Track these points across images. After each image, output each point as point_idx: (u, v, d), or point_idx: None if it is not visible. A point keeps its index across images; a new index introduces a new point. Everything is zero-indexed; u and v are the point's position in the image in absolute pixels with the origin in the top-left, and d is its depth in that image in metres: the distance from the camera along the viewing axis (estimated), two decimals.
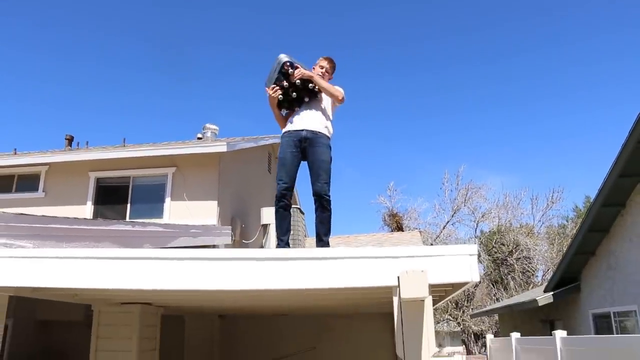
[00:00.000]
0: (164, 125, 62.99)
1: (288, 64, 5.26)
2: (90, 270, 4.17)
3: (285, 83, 5.32)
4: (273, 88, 5.33)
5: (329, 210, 5.24)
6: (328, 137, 5.40)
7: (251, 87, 61.74)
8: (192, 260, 3.95)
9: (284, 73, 5.28)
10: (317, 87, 5.37)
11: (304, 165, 5.41)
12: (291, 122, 5.45)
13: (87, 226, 6.22)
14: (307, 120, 5.37)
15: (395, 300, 3.63)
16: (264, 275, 3.77)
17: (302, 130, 5.31)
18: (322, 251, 3.84)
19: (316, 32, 57.44)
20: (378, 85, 58.23)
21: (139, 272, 4.10)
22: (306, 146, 5.29)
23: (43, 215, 5.50)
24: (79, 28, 50.84)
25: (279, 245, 5.25)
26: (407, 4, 53.12)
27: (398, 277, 3.42)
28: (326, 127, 5.42)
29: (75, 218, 8.78)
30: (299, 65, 5.34)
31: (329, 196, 5.21)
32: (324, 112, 5.48)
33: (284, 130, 5.51)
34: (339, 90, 5.42)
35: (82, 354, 7.70)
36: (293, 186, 5.37)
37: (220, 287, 3.82)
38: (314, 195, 5.26)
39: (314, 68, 5.57)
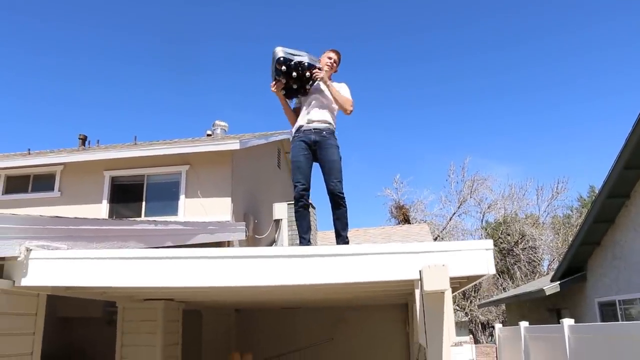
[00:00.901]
0: (171, 120, 63.33)
1: (282, 59, 5.42)
2: (118, 269, 4.44)
3: (283, 80, 5.53)
4: (274, 84, 5.56)
5: (344, 206, 5.50)
6: (335, 136, 5.65)
7: (255, 80, 61.88)
8: (233, 258, 4.21)
9: (279, 70, 5.47)
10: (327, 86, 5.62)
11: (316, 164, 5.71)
12: (299, 123, 5.69)
13: (114, 226, 6.46)
14: (313, 119, 5.62)
15: (417, 292, 3.90)
16: (294, 272, 4.04)
17: (311, 132, 5.56)
18: (350, 248, 4.10)
19: (317, 23, 57.51)
20: (382, 76, 58.35)
21: (165, 270, 4.36)
22: (316, 149, 5.56)
23: (75, 217, 5.75)
24: (84, 25, 51.02)
25: (301, 243, 5.52)
26: None
27: (420, 271, 3.68)
28: (331, 122, 5.66)
29: (104, 219, 9.06)
30: (302, 60, 5.50)
31: (343, 193, 5.48)
32: (328, 106, 5.70)
33: (293, 131, 5.76)
34: (348, 102, 5.62)
35: (101, 349, 7.99)
36: (309, 186, 5.63)
37: (253, 284, 4.09)
38: (328, 194, 5.53)
39: (320, 59, 5.77)
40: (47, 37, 53.69)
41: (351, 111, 5.65)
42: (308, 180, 5.59)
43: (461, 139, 56.60)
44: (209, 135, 14.70)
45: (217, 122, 14.72)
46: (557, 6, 50.80)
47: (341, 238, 5.48)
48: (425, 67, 57.41)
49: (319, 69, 5.57)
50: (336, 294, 6.11)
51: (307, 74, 5.52)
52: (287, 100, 5.83)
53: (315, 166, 5.68)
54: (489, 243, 3.98)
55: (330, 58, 5.80)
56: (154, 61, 58.64)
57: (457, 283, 5.09)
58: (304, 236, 5.52)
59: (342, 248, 4.11)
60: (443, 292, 3.78)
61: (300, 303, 8.75)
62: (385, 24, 56.05)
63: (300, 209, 5.57)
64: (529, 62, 54.02)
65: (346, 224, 5.53)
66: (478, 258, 3.93)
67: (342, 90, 5.71)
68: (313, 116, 5.62)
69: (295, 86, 5.62)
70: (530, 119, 57.20)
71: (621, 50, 53.37)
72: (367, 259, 3.98)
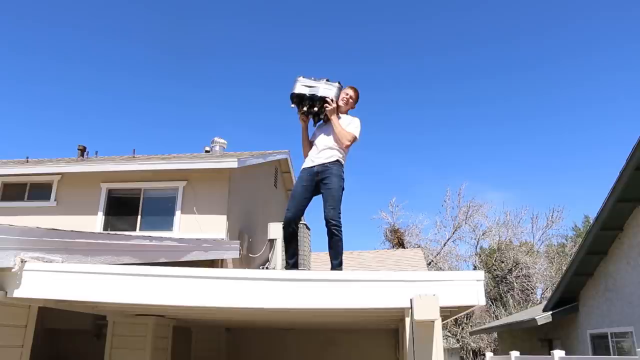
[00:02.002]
0: (170, 133, 63.36)
1: (293, 95, 5.75)
2: (111, 285, 4.47)
3: (304, 109, 5.81)
4: (301, 118, 5.89)
5: (337, 235, 5.50)
6: (339, 166, 5.71)
7: (257, 97, 62.15)
8: (225, 279, 4.25)
9: (293, 104, 5.81)
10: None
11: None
12: (305, 165, 5.83)
13: (109, 241, 6.48)
14: (321, 153, 5.74)
15: (408, 321, 3.93)
16: (286, 295, 4.07)
17: (315, 166, 5.69)
18: (341, 274, 4.15)
19: (319, 43, 57.92)
20: (379, 98, 58.60)
21: (157, 288, 4.39)
22: (319, 180, 5.65)
23: (72, 230, 5.77)
24: (88, 33, 51.33)
25: (286, 267, 5.67)
26: (408, 19, 53.62)
27: (411, 300, 3.72)
28: (336, 154, 5.72)
29: (99, 233, 9.06)
30: (316, 92, 5.72)
31: (336, 221, 5.48)
32: (336, 139, 5.75)
33: (302, 166, 5.89)
34: (346, 136, 5.69)
35: None
36: (299, 216, 5.72)
37: (244, 305, 4.12)
38: (324, 220, 5.59)
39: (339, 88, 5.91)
40: (48, 44, 53.96)
41: (347, 145, 5.71)
42: (299, 209, 5.68)
43: (458, 164, 56.89)
44: (207, 151, 14.76)
45: (216, 138, 14.80)
46: (557, 34, 51.30)
47: (332, 266, 5.53)
48: (424, 91, 57.78)
49: (331, 100, 5.71)
50: (327, 317, 6.13)
51: (317, 107, 5.76)
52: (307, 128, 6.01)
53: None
54: (480, 274, 4.04)
55: (347, 94, 5.92)
56: (156, 73, 58.92)
57: (447, 312, 5.13)
58: (289, 261, 5.67)
59: (334, 274, 4.16)
60: (433, 322, 3.82)
61: (291, 324, 8.75)
62: (383, 47, 56.53)
63: (287, 235, 5.71)
64: (525, 90, 54.42)
65: (338, 253, 5.54)
66: (469, 289, 3.98)
67: (351, 124, 5.80)
68: (318, 158, 5.74)
69: (315, 109, 5.82)
70: (526, 146, 57.49)
71: (621, 78, 53.88)
72: (359, 286, 4.02)
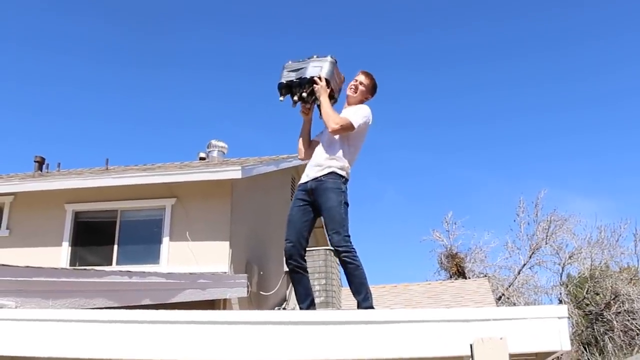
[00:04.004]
0: (154, 136, 63.61)
1: (280, 85, 5.82)
2: (81, 335, 4.52)
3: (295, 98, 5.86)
4: (302, 110, 5.93)
5: (353, 264, 5.43)
6: (336, 177, 5.66)
7: (264, 89, 62.24)
8: (230, 324, 4.28)
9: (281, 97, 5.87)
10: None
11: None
12: (305, 172, 5.91)
13: (77, 278, 6.59)
14: (312, 166, 5.80)
15: None
16: (307, 343, 4.08)
17: (308, 182, 5.72)
18: (377, 314, 4.14)
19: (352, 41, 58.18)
20: (426, 85, 58.44)
21: (141, 338, 4.43)
22: (315, 198, 5.66)
23: (27, 267, 5.88)
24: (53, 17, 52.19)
25: None
26: (478, 18, 53.62)
27: (471, 345, 3.70)
28: (333, 165, 5.69)
29: (63, 269, 9.17)
30: (304, 75, 5.77)
31: (344, 247, 5.43)
32: (332, 144, 5.79)
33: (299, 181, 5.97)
34: (334, 119, 5.65)
35: None
36: (302, 245, 5.68)
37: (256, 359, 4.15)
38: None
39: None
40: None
41: (334, 129, 5.64)
42: (300, 236, 5.66)
43: (533, 165, 56.01)
44: (202, 158, 14.89)
45: (213, 141, 14.93)
46: None
47: (358, 304, 5.49)
48: (486, 68, 57.34)
49: (319, 78, 5.71)
50: None
51: (306, 91, 5.79)
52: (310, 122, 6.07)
53: None
54: (563, 309, 4.00)
55: (356, 80, 5.98)
56: (132, 60, 59.51)
57: None
58: (301, 306, 5.59)
59: (366, 314, 4.15)
60: None
61: None
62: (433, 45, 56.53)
63: (292, 273, 5.69)
64: (623, 64, 53.63)
65: (361, 285, 5.45)
66: (548, 329, 3.94)
67: (355, 111, 5.82)
68: (312, 170, 5.78)
69: (305, 94, 5.86)
70: (624, 141, 56.28)
71: None
72: (401, 328, 4.01)
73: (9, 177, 14.93)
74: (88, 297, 6.42)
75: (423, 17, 54.33)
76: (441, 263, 32.43)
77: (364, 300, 5.38)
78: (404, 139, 58.86)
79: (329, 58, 5.82)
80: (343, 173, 5.67)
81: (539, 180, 60.36)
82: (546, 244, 31.05)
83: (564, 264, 31.43)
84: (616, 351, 28.62)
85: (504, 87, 55.53)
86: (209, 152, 14.86)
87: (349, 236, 5.48)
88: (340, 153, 5.72)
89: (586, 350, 30.05)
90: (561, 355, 26.87)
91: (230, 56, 58.27)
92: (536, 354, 4.48)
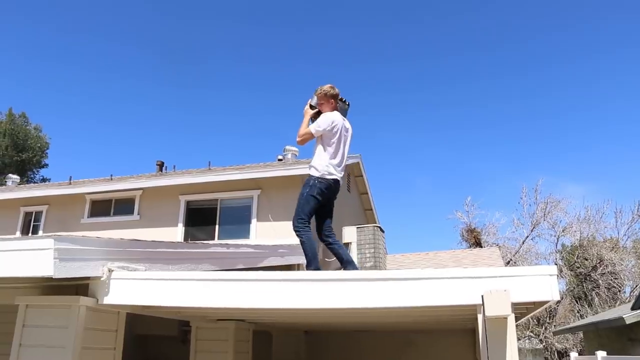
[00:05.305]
0: (243, 144, 64.72)
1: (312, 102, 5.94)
2: (192, 290, 4.68)
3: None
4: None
5: (300, 239, 5.64)
6: (310, 177, 5.76)
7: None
8: (302, 281, 4.39)
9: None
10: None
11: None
12: None
13: (189, 249, 6.77)
14: None
15: (480, 317, 3.92)
16: (358, 295, 4.15)
17: None
18: (413, 272, 4.17)
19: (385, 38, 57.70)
20: (449, 93, 57.74)
21: (237, 292, 4.56)
22: None
23: (153, 240, 6.07)
24: (151, 50, 53.28)
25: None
26: (480, 10, 52.60)
27: (482, 296, 3.72)
28: (311, 168, 5.79)
29: (179, 242, 9.41)
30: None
31: (295, 226, 5.63)
32: (315, 150, 5.86)
33: None
34: (299, 134, 5.80)
35: None
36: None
37: (323, 306, 4.24)
38: None
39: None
40: (125, 64, 56.37)
41: (297, 142, 5.89)
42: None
43: (532, 158, 54.95)
44: (279, 160, 15.03)
45: (287, 147, 15.04)
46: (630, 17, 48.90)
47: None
48: (495, 84, 56.32)
49: (309, 105, 5.92)
50: (400, 317, 6.15)
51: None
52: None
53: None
54: (553, 269, 3.98)
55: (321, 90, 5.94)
56: (230, 83, 60.38)
57: (523, 309, 5.05)
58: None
59: (404, 273, 4.18)
60: (505, 318, 3.80)
61: (369, 326, 8.79)
62: (451, 41, 55.68)
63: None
64: (602, 74, 51.97)
65: (305, 255, 5.63)
66: (542, 284, 3.93)
67: (317, 121, 5.81)
68: None
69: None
70: (605, 136, 54.81)
71: None
72: (430, 284, 4.05)
73: (138, 177, 15.32)
74: (197, 263, 6.58)
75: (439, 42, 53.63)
76: (462, 236, 32.02)
77: (308, 267, 5.57)
78: (431, 139, 58.44)
79: (317, 90, 5.90)
80: (316, 175, 5.71)
81: (537, 171, 59.26)
82: (544, 220, 30.35)
83: (558, 236, 30.66)
84: (602, 304, 27.86)
85: (511, 101, 54.70)
86: (284, 154, 14.97)
87: (300, 218, 5.58)
88: (316, 155, 5.80)
89: (577, 303, 29.34)
90: (557, 304, 26.23)
91: (298, 80, 58.74)
92: (533, 303, 4.46)
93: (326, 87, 5.84)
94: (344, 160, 5.92)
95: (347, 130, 5.90)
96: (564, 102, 54.66)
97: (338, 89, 5.90)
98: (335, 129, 5.70)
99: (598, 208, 30.71)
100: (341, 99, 5.95)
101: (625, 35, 48.65)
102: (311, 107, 5.88)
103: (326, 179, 5.68)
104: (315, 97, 5.86)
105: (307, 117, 5.83)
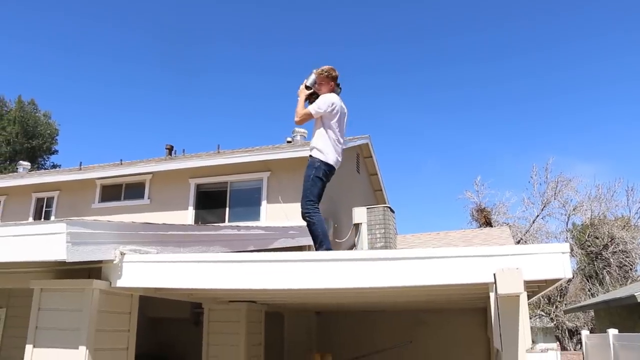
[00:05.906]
0: (251, 126, 64.76)
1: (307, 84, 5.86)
2: (204, 272, 4.70)
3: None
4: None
5: (309, 221, 5.50)
6: (312, 158, 5.71)
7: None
8: (313, 262, 4.40)
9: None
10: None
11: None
12: None
13: (200, 232, 6.79)
14: None
15: (492, 295, 3.92)
16: (370, 274, 4.15)
17: None
18: (425, 251, 4.17)
19: (391, 20, 57.27)
20: (457, 74, 57.32)
21: (248, 273, 4.58)
22: None
23: (164, 224, 6.09)
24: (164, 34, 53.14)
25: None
26: None
27: (494, 274, 3.70)
28: (313, 149, 5.74)
29: (190, 225, 9.44)
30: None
31: (303, 209, 5.55)
32: (315, 131, 5.81)
33: None
34: (297, 114, 5.72)
35: (189, 348, 8.35)
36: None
37: (332, 286, 4.24)
38: None
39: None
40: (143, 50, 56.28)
41: (296, 121, 5.79)
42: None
43: (543, 137, 54.61)
44: (288, 142, 15.00)
45: (296, 128, 14.99)
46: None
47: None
48: (501, 64, 55.84)
49: (305, 85, 5.84)
50: (412, 297, 6.16)
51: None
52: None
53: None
54: (565, 246, 3.95)
55: (322, 70, 5.89)
56: (242, 68, 60.23)
57: (535, 287, 5.04)
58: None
59: (416, 252, 4.17)
60: (518, 296, 3.79)
61: (379, 306, 8.83)
62: (458, 21, 55.14)
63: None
64: (611, 53, 51.36)
65: (316, 238, 5.48)
66: (554, 261, 3.90)
67: (316, 101, 5.77)
68: None
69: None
70: (615, 113, 54.27)
71: None
72: (442, 262, 4.05)
73: (148, 161, 15.34)
74: (208, 245, 6.60)
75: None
76: (472, 215, 31.94)
77: (319, 247, 5.43)
78: (440, 119, 58.16)
79: (314, 70, 5.85)
80: (318, 156, 5.68)
81: (548, 150, 58.85)
82: (555, 199, 30.21)
83: (569, 215, 30.51)
84: (613, 282, 27.81)
85: (519, 80, 54.23)
86: (294, 136, 14.92)
87: (308, 200, 5.54)
88: (317, 137, 5.74)
89: (588, 282, 29.30)
90: (568, 283, 26.17)
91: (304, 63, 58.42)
92: (545, 281, 4.45)
93: (327, 68, 5.82)
94: (342, 143, 5.93)
95: (344, 113, 5.89)
96: (574, 81, 54.18)
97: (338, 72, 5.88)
98: (335, 111, 5.69)
99: (609, 186, 30.53)
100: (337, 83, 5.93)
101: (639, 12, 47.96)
102: (306, 87, 5.83)
103: (330, 161, 5.68)
104: (313, 76, 5.82)
105: (302, 97, 5.80)
